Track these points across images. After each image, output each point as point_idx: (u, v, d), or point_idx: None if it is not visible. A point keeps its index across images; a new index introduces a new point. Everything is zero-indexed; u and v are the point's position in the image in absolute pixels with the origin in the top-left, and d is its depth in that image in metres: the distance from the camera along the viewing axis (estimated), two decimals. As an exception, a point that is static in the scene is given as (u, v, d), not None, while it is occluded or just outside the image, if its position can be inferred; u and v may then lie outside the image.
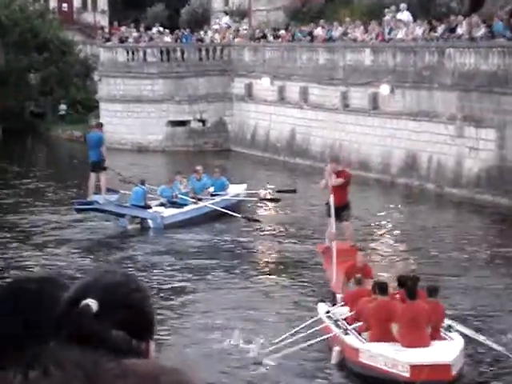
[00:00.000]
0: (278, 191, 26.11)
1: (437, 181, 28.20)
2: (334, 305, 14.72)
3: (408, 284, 12.83)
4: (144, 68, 40.02)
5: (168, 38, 42.07)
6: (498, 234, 22.91)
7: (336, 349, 13.34)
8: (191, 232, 22.96)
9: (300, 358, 13.69)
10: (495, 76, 26.35)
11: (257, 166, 35.06)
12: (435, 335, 12.81)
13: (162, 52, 39.98)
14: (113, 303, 1.77)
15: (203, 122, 39.85)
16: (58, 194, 29.35)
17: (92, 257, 20.69)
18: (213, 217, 23.95)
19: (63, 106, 47.40)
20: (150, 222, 23.30)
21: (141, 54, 40.31)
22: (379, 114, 30.99)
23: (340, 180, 16.59)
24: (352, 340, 13.14)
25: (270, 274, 19.16)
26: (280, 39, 38.80)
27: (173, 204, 24.01)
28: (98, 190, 23.76)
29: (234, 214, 23.62)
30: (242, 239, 22.41)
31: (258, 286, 17.99)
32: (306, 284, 17.97)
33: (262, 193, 26.13)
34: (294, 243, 21.50)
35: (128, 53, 40.68)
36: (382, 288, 13.01)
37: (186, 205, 24.04)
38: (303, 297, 17.12)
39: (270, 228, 23.76)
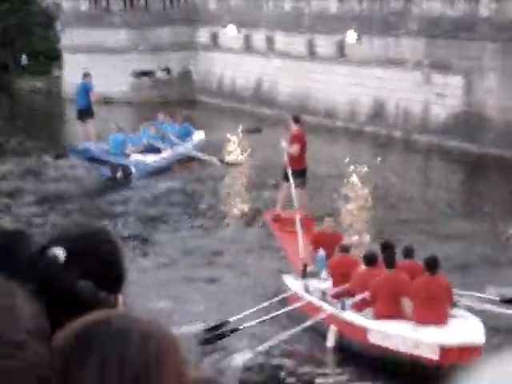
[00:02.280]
0: (245, 131, 26.10)
1: (404, 128, 28.20)
2: (303, 278, 13.08)
3: (429, 257, 11.48)
4: (107, 17, 39.43)
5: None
6: (465, 180, 23.01)
7: (332, 329, 11.69)
8: (169, 179, 22.93)
9: (286, 343, 11.84)
10: (461, 22, 26.26)
11: (223, 116, 34.86)
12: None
13: (125, 1, 39.39)
14: (82, 253, 1.74)
15: (168, 71, 39.46)
16: (23, 145, 28.96)
17: (63, 207, 20.47)
18: (187, 162, 24.22)
19: (24, 57, 46.68)
20: (133, 169, 23.03)
21: (103, 2, 39.71)
22: (346, 62, 30.85)
23: (295, 149, 15.43)
24: (355, 318, 11.53)
25: (237, 227, 19.07)
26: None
27: (150, 150, 23.86)
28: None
29: (210, 159, 24.00)
30: (213, 186, 22.45)
31: (222, 242, 17.81)
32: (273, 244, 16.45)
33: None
34: (263, 192, 21.43)
35: (90, 2, 40.07)
36: (388, 261, 11.54)
37: (162, 150, 24.05)
38: (270, 260, 15.83)
39: (240, 176, 23.75)
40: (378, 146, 27.92)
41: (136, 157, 23.40)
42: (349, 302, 11.74)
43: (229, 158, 24.99)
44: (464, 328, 11.11)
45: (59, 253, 1.71)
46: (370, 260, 11.88)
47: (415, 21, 28.10)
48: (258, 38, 35.44)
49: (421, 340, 10.88)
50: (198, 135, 26.15)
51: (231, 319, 12.15)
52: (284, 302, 12.75)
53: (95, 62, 39.03)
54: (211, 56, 38.78)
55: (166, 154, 24.00)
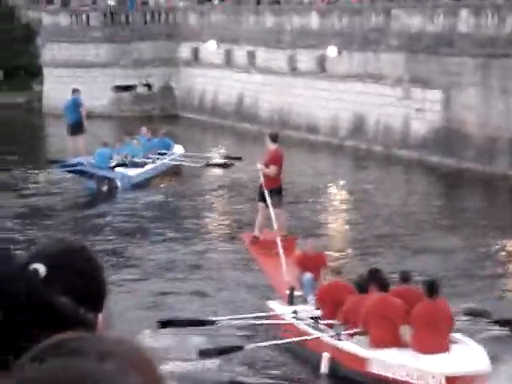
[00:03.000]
0: (225, 157, 26.21)
1: (384, 142, 28.29)
2: (290, 304, 12.61)
3: (428, 280, 11.14)
4: (88, 32, 39.43)
5: (112, 1, 41.47)
6: (445, 195, 23.09)
7: (326, 356, 11.21)
8: (151, 192, 23.17)
9: (276, 368, 11.61)
10: (441, 37, 26.42)
11: (205, 131, 34.86)
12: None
13: (105, 16, 39.41)
14: (62, 269, 1.73)
15: (149, 86, 39.46)
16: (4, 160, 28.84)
17: (43, 221, 20.37)
18: (170, 176, 24.65)
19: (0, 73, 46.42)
20: (118, 182, 23.35)
21: (84, 17, 39.71)
22: (327, 77, 30.94)
23: (271, 170, 14.93)
24: (352, 347, 11.09)
25: (216, 244, 19.02)
26: (226, 1, 38.47)
27: (134, 164, 24.16)
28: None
29: (195, 165, 24.37)
30: (193, 200, 22.51)
31: (203, 258, 17.74)
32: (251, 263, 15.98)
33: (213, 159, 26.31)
34: (243, 207, 21.43)
35: (71, 17, 40.06)
36: (382, 284, 11.15)
37: (145, 164, 24.39)
38: (250, 275, 15.57)
39: (220, 191, 23.78)
40: (358, 160, 27.99)
41: (121, 170, 23.69)
42: (343, 331, 11.27)
43: (213, 161, 25.33)
44: (468, 355, 10.62)
45: (40, 268, 1.70)
46: (363, 287, 11.43)
47: (395, 36, 28.25)
48: (240, 53, 35.52)
49: (426, 370, 10.39)
50: (178, 149, 26.37)
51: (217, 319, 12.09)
52: (272, 328, 12.33)
53: (76, 77, 38.99)
54: (192, 71, 38.80)
55: (150, 167, 24.35)
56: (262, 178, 14.94)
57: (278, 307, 12.64)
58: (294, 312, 12.13)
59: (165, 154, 25.34)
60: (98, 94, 38.81)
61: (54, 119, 37.00)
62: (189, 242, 18.41)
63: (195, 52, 38.47)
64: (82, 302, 1.72)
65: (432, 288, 10.82)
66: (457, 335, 11.10)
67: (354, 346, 11.06)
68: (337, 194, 23.31)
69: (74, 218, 20.95)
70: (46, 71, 41.27)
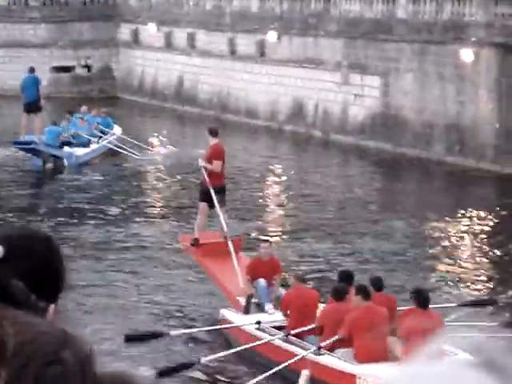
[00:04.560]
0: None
1: (323, 128, 28.51)
2: (246, 313, 11.79)
3: (418, 290, 10.51)
4: (26, 12, 38.93)
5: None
6: (382, 179, 23.40)
7: (305, 373, 9.96)
8: (93, 172, 23.34)
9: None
10: (379, 23, 26.68)
11: (144, 114, 34.71)
12: None
13: (44, -4, 38.95)
14: (20, 253, 1.73)
15: (88, 68, 39.12)
16: None
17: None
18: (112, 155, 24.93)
19: None
20: (65, 161, 23.65)
21: (23, -3, 39.20)
22: (266, 61, 31.03)
23: (216, 165, 13.86)
24: (337, 362, 10.21)
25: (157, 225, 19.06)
26: (166, -16, 38.24)
27: (80, 143, 24.44)
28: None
29: (135, 154, 24.66)
30: (133, 180, 22.78)
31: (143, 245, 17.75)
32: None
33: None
34: (180, 189, 21.49)
35: (9, -4, 39.51)
36: (365, 291, 10.42)
37: (90, 143, 24.70)
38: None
39: (159, 172, 23.83)
40: (297, 145, 28.17)
41: (68, 149, 24.00)
42: (322, 343, 10.43)
43: (150, 150, 25.53)
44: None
45: None
46: (340, 294, 10.74)
47: (334, 22, 28.44)
48: (180, 36, 35.41)
49: None
50: (117, 130, 26.58)
51: (172, 332, 11.23)
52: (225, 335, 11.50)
53: (14, 57, 38.47)
54: (132, 53, 38.57)
55: (95, 147, 24.68)
56: (205, 176, 13.83)
57: (234, 317, 11.81)
58: (258, 323, 11.30)
59: (106, 133, 25.57)
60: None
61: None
62: (126, 223, 18.43)
63: (135, 33, 38.23)
64: (36, 289, 1.72)
65: (426, 300, 10.27)
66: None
67: (338, 360, 10.31)
68: (275, 178, 23.45)
69: (13, 195, 20.83)
70: (-17, 51, 40.62)
